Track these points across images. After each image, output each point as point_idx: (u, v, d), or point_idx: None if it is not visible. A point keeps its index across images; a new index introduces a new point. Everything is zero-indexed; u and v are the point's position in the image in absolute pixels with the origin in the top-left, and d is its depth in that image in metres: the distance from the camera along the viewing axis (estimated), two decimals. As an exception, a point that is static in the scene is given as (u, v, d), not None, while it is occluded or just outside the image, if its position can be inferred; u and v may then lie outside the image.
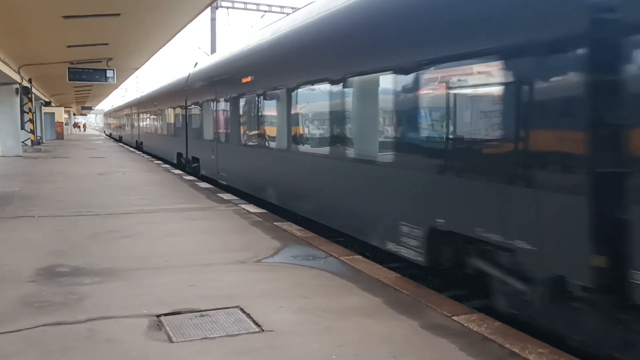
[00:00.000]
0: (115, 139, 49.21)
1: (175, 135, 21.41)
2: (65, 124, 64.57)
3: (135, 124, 36.84)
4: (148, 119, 30.81)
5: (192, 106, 18.12)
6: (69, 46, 21.40)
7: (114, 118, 54.64)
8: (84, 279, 6.19)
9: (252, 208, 11.11)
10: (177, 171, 19.52)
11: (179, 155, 20.84)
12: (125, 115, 43.19)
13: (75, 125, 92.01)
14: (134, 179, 16.66)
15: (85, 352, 4.29)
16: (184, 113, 19.26)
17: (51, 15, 15.59)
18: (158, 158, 26.18)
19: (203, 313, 5.15)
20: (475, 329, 4.81)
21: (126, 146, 39.25)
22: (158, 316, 5.05)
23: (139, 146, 35.05)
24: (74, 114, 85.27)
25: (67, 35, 19.32)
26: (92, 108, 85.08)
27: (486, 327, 4.88)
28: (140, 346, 4.41)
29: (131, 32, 19.24)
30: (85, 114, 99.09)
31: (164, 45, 23.67)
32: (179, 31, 19.96)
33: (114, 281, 6.13)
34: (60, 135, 49.64)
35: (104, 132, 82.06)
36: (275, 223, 9.54)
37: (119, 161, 24.38)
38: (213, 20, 31.94)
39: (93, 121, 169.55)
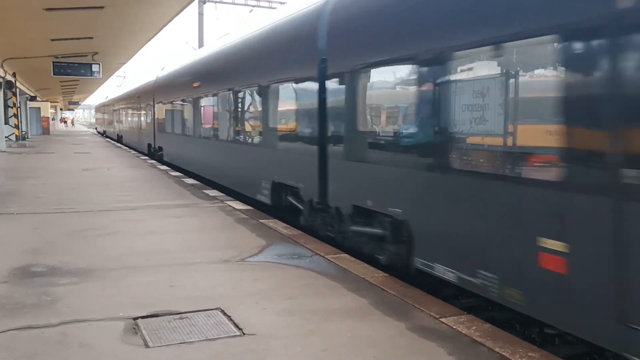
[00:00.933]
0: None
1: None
2: (52, 119, 63.90)
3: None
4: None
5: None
6: (53, 40, 21.03)
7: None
8: (60, 279, 5.96)
9: (238, 205, 10.89)
10: (163, 167, 19.24)
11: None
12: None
13: (62, 120, 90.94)
14: (118, 175, 16.36)
15: (54, 358, 4.07)
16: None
17: (33, 8, 15.26)
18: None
19: (182, 315, 4.94)
20: (464, 332, 4.64)
21: (112, 141, 38.83)
22: (135, 319, 4.84)
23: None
24: (61, 109, 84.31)
25: (51, 29, 18.96)
26: (80, 103, 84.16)
27: (475, 329, 4.71)
28: (113, 352, 4.20)
29: (116, 26, 18.93)
30: (72, 109, 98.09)
31: (150, 40, 23.36)
32: (165, 25, 19.67)
33: (90, 281, 5.90)
34: (46, 131, 49.03)
35: (96, 129, 71.45)
36: (261, 220, 9.34)
37: (105, 157, 24.02)
38: (201, 14, 31.57)
39: (81, 116, 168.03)
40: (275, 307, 5.17)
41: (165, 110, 20.53)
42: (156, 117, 22.65)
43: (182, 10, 17.07)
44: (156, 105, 22.46)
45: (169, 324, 4.74)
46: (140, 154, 25.82)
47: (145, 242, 7.74)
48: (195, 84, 15.25)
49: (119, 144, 35.05)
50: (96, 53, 25.20)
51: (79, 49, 23.51)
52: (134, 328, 4.64)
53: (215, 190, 13.03)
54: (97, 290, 5.62)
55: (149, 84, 24.82)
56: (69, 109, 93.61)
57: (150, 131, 24.12)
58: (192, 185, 14.07)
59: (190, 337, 4.49)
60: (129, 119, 32.63)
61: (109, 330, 4.58)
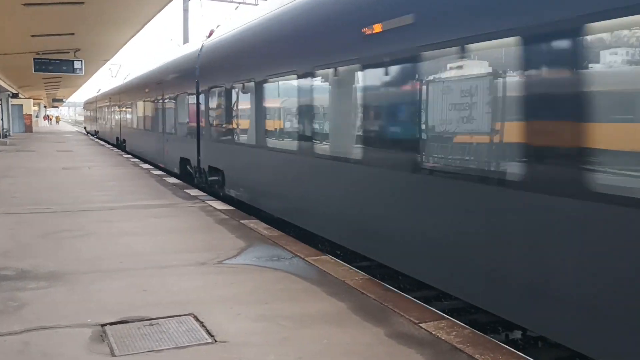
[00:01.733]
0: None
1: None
2: (36, 117, 63.07)
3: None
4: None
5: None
6: (33, 35, 20.60)
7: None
8: (28, 284, 5.74)
9: (219, 205, 10.69)
10: (146, 165, 18.97)
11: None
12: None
13: (46, 117, 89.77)
14: (99, 174, 16.08)
15: (14, 369, 3.87)
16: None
17: (11, 2, 14.89)
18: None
19: (153, 322, 4.76)
20: (444, 337, 4.50)
21: (97, 140, 38.31)
22: (103, 326, 4.65)
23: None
24: (45, 107, 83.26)
25: (30, 24, 18.56)
26: (64, 100, 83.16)
27: (456, 334, 4.58)
28: (77, 361, 4.01)
29: (97, 22, 18.57)
30: (57, 107, 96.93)
31: (133, 36, 22.97)
32: (148, 21, 19.33)
33: (60, 286, 5.69)
34: (29, 128, 48.36)
35: (85, 128, 60.70)
36: (241, 221, 9.15)
37: (87, 155, 23.67)
38: (186, 11, 31.22)
39: (66, 114, 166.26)
40: (250, 312, 5.00)
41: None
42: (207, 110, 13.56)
43: (164, 6, 16.76)
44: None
45: (138, 331, 4.56)
46: (121, 151, 24.83)
47: (120, 244, 7.53)
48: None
49: (102, 142, 34.49)
50: (78, 49, 24.75)
51: (61, 45, 23.08)
52: (102, 335, 4.45)
53: (196, 190, 12.82)
54: (66, 295, 5.41)
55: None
56: (54, 107, 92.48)
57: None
58: (174, 184, 13.84)
59: (160, 344, 4.31)
60: (142, 115, 22.69)
61: (75, 338, 4.38)
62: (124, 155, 23.50)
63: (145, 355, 4.12)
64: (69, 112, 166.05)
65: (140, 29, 21.03)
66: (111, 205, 10.56)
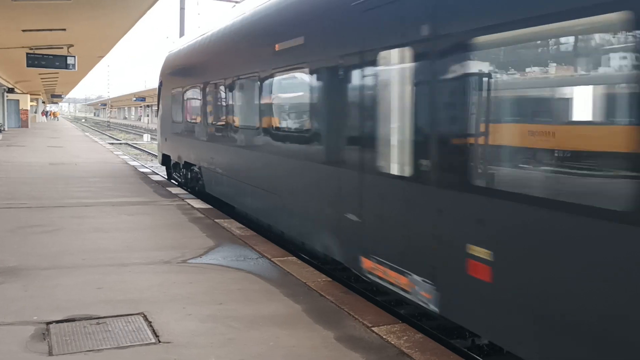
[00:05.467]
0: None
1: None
2: (34, 112, 63.03)
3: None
4: None
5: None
6: (24, 30, 20.55)
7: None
8: (-17, 279, 5.67)
9: (197, 203, 10.62)
10: (135, 163, 18.89)
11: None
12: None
13: (44, 113, 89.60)
14: (85, 170, 16.00)
15: (-55, 366, 3.80)
16: None
17: (-1, -3, 14.82)
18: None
19: (100, 320, 4.68)
20: (393, 342, 4.42)
21: (90, 136, 38.28)
22: (48, 323, 4.57)
23: None
24: (44, 102, 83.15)
25: (21, 19, 18.48)
26: (63, 96, 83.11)
27: (406, 339, 4.50)
28: None
29: (89, 18, 18.49)
30: (56, 102, 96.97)
31: (126, 32, 22.92)
32: (140, 17, 19.26)
33: (14, 282, 5.61)
34: (25, 124, 48.25)
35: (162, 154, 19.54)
36: (216, 220, 9.07)
37: (77, 151, 23.59)
38: (182, 9, 31.17)
39: (66, 110, 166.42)
40: (201, 312, 4.92)
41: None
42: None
43: (154, 3, 16.71)
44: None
45: (83, 330, 4.48)
46: (112, 148, 24.76)
47: (87, 240, 7.45)
48: None
49: (96, 139, 34.47)
50: (72, 45, 24.71)
51: (54, 40, 23.00)
52: (44, 334, 4.37)
53: (178, 188, 12.75)
54: (18, 292, 5.33)
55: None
56: (53, 102, 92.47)
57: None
58: (157, 182, 13.76)
59: (102, 344, 4.23)
60: None
61: (15, 336, 4.30)
62: (115, 152, 23.42)
63: (84, 354, 4.04)
64: (69, 108, 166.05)
65: (133, 25, 20.97)
66: (88, 201, 10.48)
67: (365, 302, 5.43)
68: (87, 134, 42.86)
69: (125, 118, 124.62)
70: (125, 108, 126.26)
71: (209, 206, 10.39)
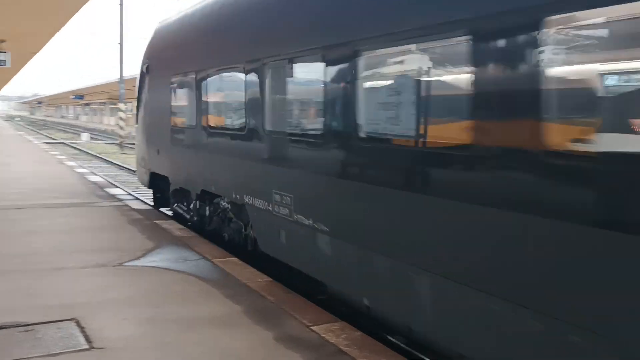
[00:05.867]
0: None
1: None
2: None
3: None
4: None
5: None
6: (-50, 24, 19.55)
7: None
8: None
9: (136, 205, 10.38)
10: (72, 163, 18.29)
11: None
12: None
13: None
14: (20, 171, 15.35)
15: None
16: None
17: None
18: None
19: (29, 328, 4.50)
20: (332, 340, 4.46)
21: (24, 134, 36.79)
22: (-27, 332, 4.37)
23: None
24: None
25: (-53, 12, 17.61)
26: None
27: (345, 337, 4.55)
28: None
29: (20, 12, 17.82)
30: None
31: (61, 27, 22.20)
32: (75, 12, 18.72)
33: (-63, 289, 5.34)
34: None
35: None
36: (155, 221, 8.90)
37: (12, 152, 22.63)
38: (120, 5, 30.42)
39: (0, 108, 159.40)
40: (137, 316, 4.82)
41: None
42: None
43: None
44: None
45: (11, 338, 4.30)
46: (49, 148, 24.00)
47: (20, 244, 7.17)
48: None
49: (30, 138, 33.13)
50: (4, 41, 23.71)
51: (-16, 35, 22.02)
52: (-32, 343, 4.18)
53: (118, 189, 12.43)
54: (-59, 300, 5.08)
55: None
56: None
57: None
58: (95, 183, 13.36)
59: (31, 352, 4.07)
60: None
61: (-64, 346, 4.10)
62: (50, 152, 22.59)
63: (12, 363, 3.89)
64: (3, 106, 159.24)
65: (68, 20, 20.33)
66: (22, 203, 10.08)
67: (306, 302, 5.45)
68: (21, 133, 41.14)
69: (62, 117, 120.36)
70: (63, 106, 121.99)
71: (149, 207, 10.18)
